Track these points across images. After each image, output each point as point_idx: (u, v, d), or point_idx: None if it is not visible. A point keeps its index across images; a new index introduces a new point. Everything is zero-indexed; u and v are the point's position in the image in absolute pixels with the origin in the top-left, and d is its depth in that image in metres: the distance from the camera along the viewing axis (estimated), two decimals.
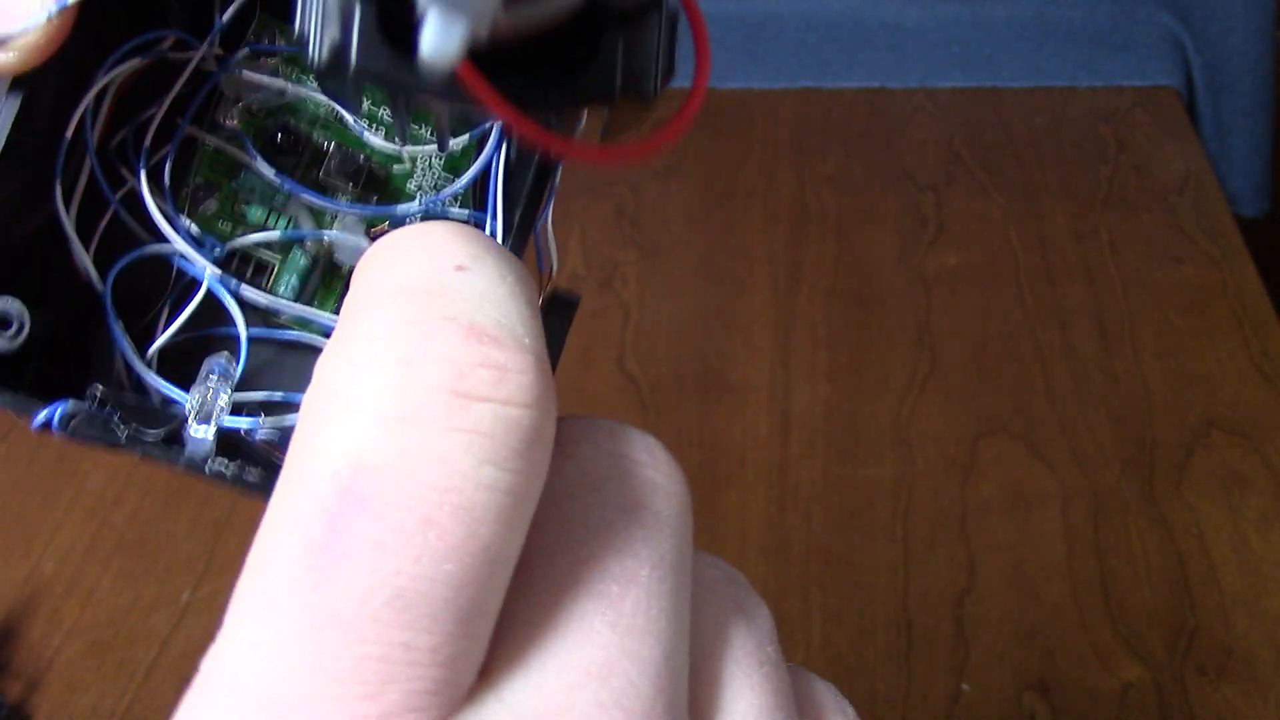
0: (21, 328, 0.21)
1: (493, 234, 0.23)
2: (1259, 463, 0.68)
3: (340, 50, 0.17)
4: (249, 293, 0.24)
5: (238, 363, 0.23)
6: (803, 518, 0.67)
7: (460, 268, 0.17)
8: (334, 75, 0.17)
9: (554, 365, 0.24)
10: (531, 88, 0.18)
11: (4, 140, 0.21)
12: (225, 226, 0.25)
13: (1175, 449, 0.70)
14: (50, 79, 0.22)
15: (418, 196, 0.25)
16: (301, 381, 0.18)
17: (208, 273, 0.23)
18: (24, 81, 0.21)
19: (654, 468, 0.19)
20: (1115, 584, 0.63)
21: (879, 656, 0.61)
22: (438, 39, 0.15)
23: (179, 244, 0.23)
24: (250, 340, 0.24)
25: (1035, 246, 0.83)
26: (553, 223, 0.24)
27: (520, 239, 0.23)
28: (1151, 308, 0.78)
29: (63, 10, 0.20)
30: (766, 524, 0.67)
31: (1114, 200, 0.86)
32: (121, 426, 0.20)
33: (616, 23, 0.18)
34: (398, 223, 0.25)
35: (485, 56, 0.17)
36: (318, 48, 0.17)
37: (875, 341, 0.77)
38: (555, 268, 0.24)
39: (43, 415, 0.20)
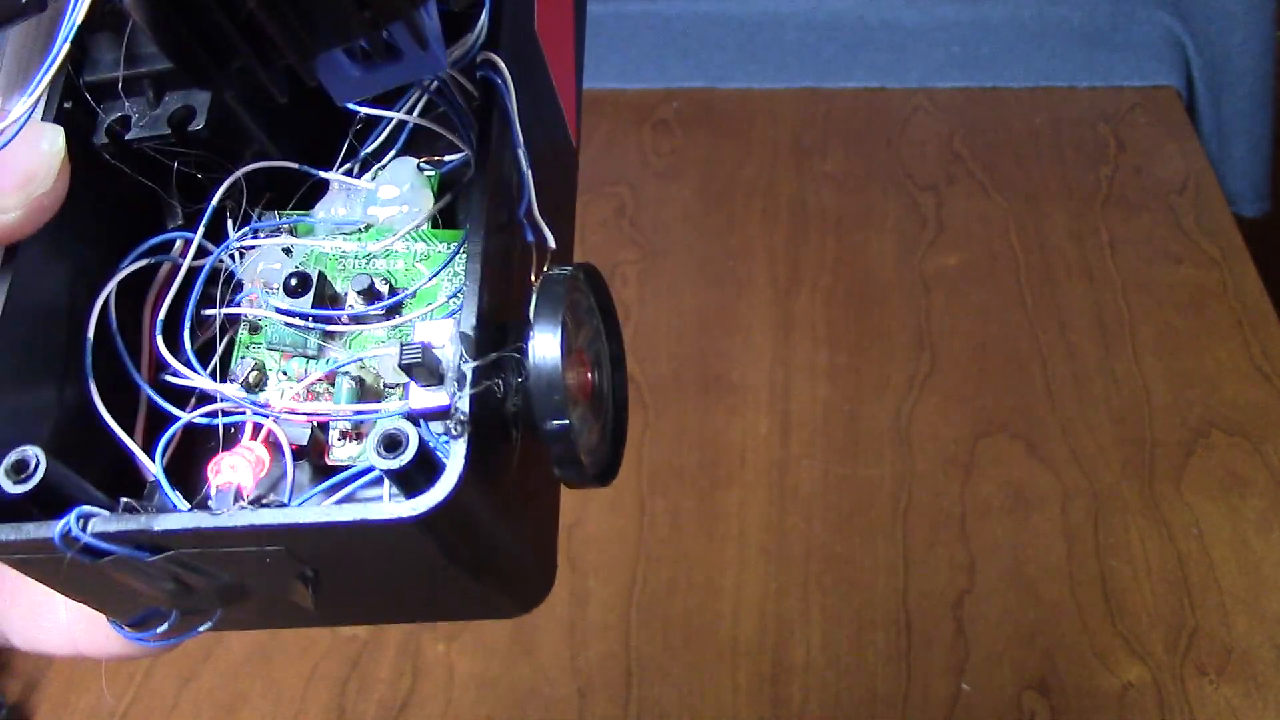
0: (35, 469, 0.21)
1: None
2: (1259, 463, 0.68)
3: None
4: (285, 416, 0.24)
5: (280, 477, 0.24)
6: (803, 518, 0.67)
7: None
8: None
9: (611, 326, 0.26)
10: None
11: None
12: (274, 394, 0.26)
13: (1175, 449, 0.70)
14: (53, 266, 0.24)
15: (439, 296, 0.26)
16: None
17: (271, 416, 0.24)
18: (17, 255, 0.23)
19: None
20: (1115, 584, 0.63)
21: (879, 656, 0.61)
22: None
23: (228, 392, 0.25)
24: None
25: (1035, 246, 0.83)
26: (538, 208, 0.26)
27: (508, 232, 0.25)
28: (1151, 308, 0.78)
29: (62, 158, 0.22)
30: (766, 524, 0.67)
31: (1114, 200, 0.86)
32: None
33: None
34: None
35: None
36: None
37: (875, 341, 0.77)
38: (551, 246, 0.26)
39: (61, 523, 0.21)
